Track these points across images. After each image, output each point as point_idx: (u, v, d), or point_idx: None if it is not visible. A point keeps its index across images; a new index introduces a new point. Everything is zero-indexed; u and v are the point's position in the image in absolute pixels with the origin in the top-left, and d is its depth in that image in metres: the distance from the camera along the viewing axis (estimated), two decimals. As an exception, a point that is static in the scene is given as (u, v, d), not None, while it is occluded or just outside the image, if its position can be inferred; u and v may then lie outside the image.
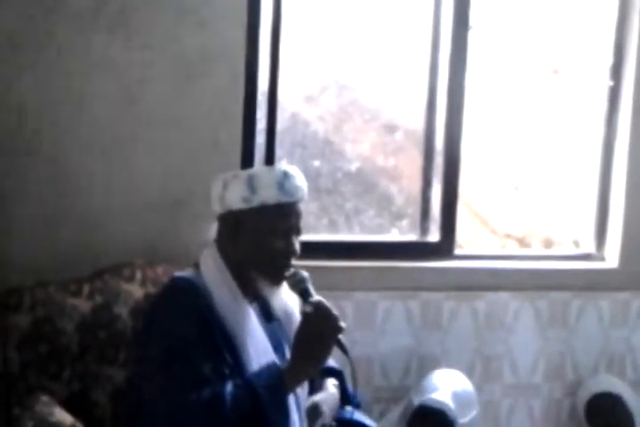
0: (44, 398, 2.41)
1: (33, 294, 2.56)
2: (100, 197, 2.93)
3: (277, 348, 2.34)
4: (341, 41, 3.34)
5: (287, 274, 2.29)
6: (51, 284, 2.61)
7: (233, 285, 2.31)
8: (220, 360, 2.20)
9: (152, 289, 2.69)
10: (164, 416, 2.14)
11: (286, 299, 2.36)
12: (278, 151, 3.20)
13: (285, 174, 2.29)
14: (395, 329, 3.24)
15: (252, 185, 2.27)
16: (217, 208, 2.36)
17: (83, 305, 2.60)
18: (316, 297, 2.24)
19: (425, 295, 3.31)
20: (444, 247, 3.42)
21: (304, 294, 2.27)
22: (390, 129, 3.48)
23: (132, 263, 2.74)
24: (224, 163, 3.00)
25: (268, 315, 2.38)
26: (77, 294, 2.61)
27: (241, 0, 2.99)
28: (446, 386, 3.00)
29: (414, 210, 3.45)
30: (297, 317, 2.34)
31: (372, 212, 3.45)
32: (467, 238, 3.57)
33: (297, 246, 2.32)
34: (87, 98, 2.89)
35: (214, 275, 2.32)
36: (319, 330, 2.18)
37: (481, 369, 3.42)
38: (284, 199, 2.28)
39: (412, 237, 3.45)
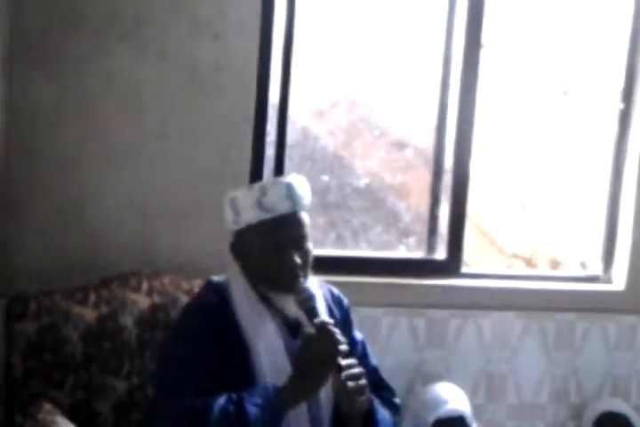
0: (47, 405, 2.41)
1: (39, 301, 2.57)
2: (108, 207, 2.94)
3: None
4: (353, 57, 3.36)
5: (297, 286, 2.28)
6: (57, 292, 2.61)
7: (252, 296, 2.33)
8: (226, 370, 2.21)
9: (158, 299, 2.69)
10: (159, 417, 2.19)
11: None
12: (287, 165, 3.20)
13: (262, 191, 2.30)
14: (399, 346, 3.23)
15: (235, 208, 2.32)
16: None
17: (88, 314, 2.60)
18: (321, 318, 2.23)
19: (430, 313, 3.29)
20: (451, 265, 3.41)
21: (310, 313, 2.25)
22: (400, 146, 3.49)
23: (139, 273, 2.75)
24: (233, 175, 3.02)
25: (294, 331, 2.36)
26: (83, 302, 2.61)
27: (255, 14, 3.01)
28: (453, 397, 2.99)
29: (422, 227, 3.45)
30: None
31: (379, 228, 3.44)
32: (473, 257, 3.56)
33: (295, 258, 2.29)
34: (99, 107, 2.91)
35: (236, 285, 2.35)
36: (318, 352, 2.17)
37: (485, 389, 3.40)
38: (266, 216, 2.29)
39: (418, 254, 3.44)
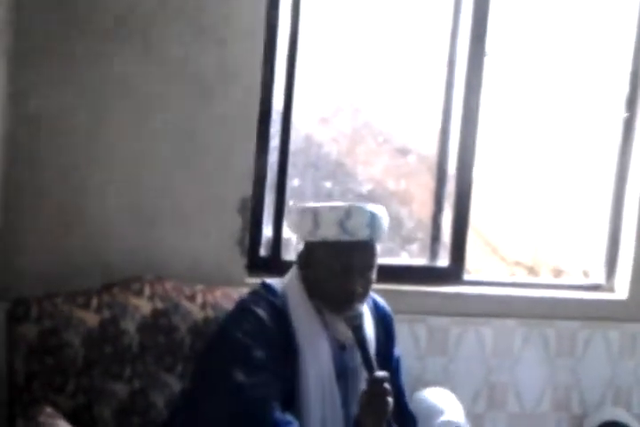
0: (49, 409, 2.41)
1: (40, 305, 2.56)
2: (110, 211, 2.94)
3: (341, 375, 2.39)
4: (357, 64, 3.36)
5: (351, 308, 2.34)
6: (59, 296, 2.61)
7: (309, 305, 2.39)
8: (276, 364, 2.28)
9: (160, 305, 2.68)
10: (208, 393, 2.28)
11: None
12: (291, 171, 3.21)
13: (347, 214, 2.35)
14: (400, 353, 3.22)
15: (316, 221, 2.36)
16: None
17: (90, 318, 2.60)
18: (380, 373, 2.26)
19: (432, 320, 3.29)
20: (453, 272, 3.41)
21: (355, 330, 2.32)
22: (403, 153, 3.49)
23: (141, 278, 2.74)
24: (237, 181, 3.01)
25: (343, 344, 2.42)
26: (85, 306, 2.60)
27: (259, 20, 3.01)
28: (448, 406, 2.97)
29: (424, 234, 3.45)
30: (373, 344, 2.40)
31: (381, 234, 3.44)
32: (476, 265, 3.56)
33: (357, 286, 2.35)
34: (102, 112, 2.91)
35: (294, 292, 2.41)
36: (373, 411, 2.24)
37: (486, 397, 3.39)
38: (345, 238, 2.34)
39: (421, 261, 3.44)
